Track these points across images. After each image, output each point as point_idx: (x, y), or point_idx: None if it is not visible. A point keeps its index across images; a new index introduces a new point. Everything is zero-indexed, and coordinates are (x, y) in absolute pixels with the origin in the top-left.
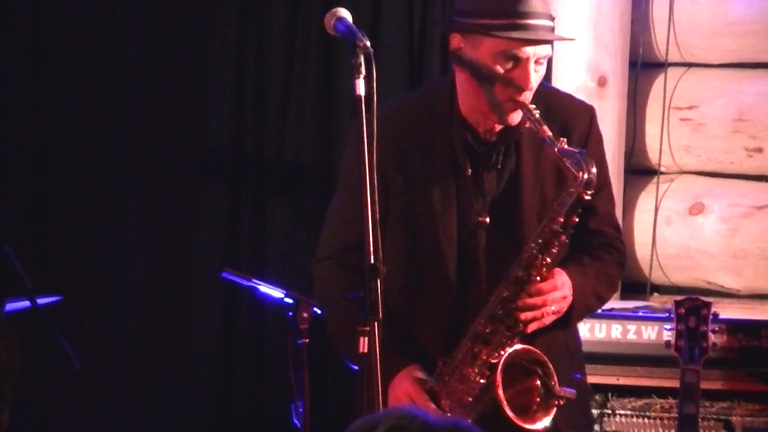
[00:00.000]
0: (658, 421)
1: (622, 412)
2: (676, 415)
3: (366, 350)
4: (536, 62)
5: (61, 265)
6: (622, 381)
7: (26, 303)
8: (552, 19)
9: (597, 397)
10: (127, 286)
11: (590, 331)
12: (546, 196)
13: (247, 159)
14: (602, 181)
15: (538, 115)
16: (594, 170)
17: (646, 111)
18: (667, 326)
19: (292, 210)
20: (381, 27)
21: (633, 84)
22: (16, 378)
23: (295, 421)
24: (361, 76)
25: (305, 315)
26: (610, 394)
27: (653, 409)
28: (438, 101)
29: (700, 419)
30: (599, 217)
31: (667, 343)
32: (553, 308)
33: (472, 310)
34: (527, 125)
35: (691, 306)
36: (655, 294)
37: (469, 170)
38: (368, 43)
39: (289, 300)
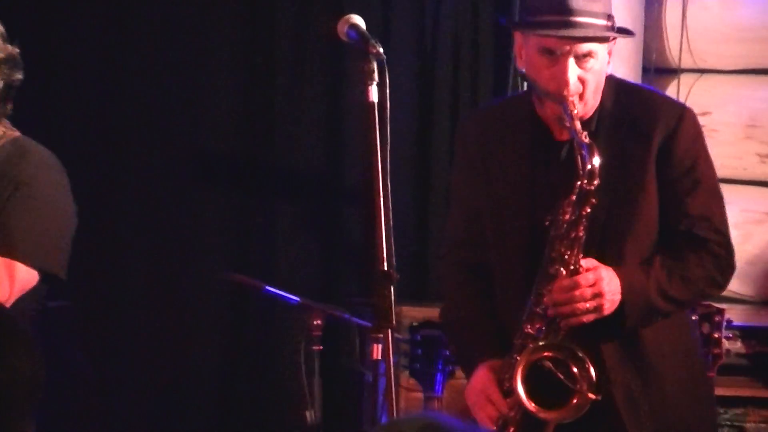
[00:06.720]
0: None
1: None
2: None
3: (379, 357)
4: (581, 57)
5: (69, 270)
6: None
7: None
8: (600, 16)
9: None
10: (134, 291)
11: None
12: (614, 191)
13: (257, 164)
14: (694, 181)
15: (576, 113)
16: (596, 161)
17: None
18: None
19: (303, 215)
20: (391, 33)
21: None
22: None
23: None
24: (374, 82)
25: (318, 322)
26: None
27: None
28: (519, 105)
29: None
30: (691, 219)
31: None
32: (587, 305)
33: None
34: (566, 122)
35: (704, 312)
36: None
37: (542, 167)
38: (381, 50)
39: (302, 306)
